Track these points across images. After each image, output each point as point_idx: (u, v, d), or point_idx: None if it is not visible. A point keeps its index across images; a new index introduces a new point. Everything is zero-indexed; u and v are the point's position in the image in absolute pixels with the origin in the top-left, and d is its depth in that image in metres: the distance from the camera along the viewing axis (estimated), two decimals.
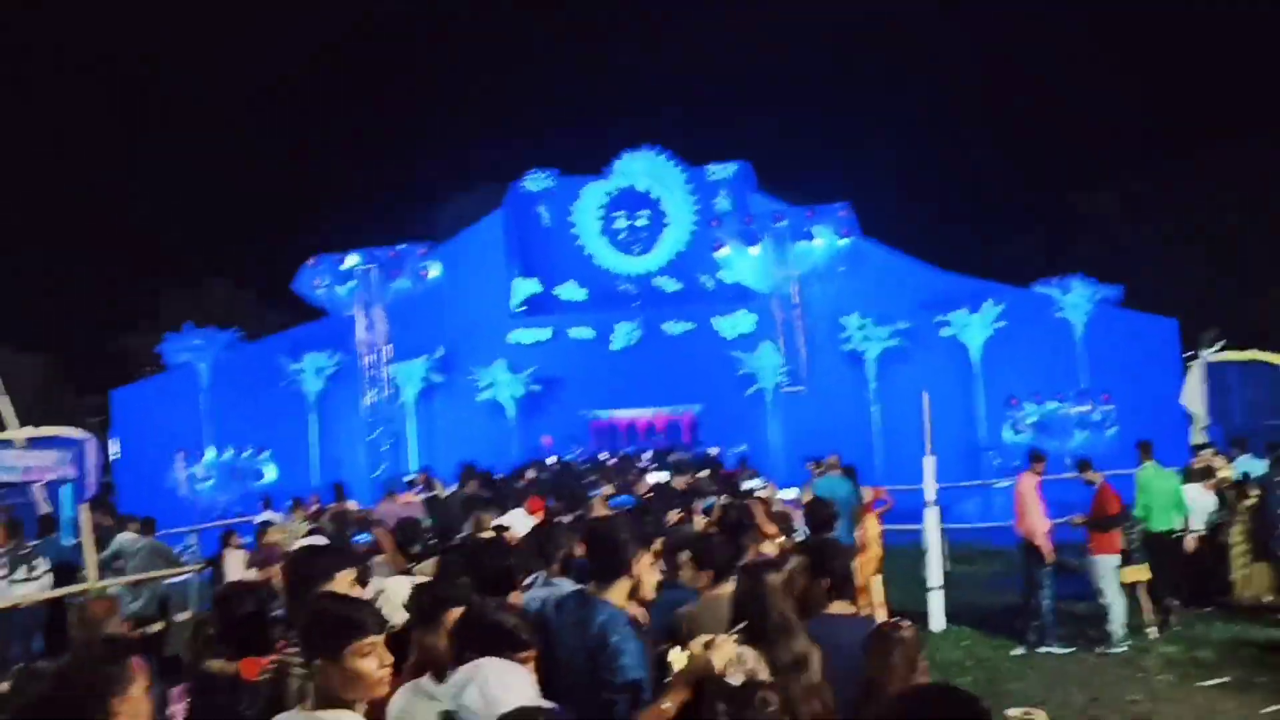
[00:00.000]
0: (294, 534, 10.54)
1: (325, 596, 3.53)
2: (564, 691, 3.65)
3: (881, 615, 5.59)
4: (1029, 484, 10.54)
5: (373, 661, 2.96)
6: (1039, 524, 10.33)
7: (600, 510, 7.67)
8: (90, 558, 8.54)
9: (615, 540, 4.17)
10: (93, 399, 32.38)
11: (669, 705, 3.33)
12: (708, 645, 3.36)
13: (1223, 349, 20.32)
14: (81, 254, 41.22)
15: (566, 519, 7.94)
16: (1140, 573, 10.79)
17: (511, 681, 2.94)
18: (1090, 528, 10.47)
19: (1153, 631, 10.43)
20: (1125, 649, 9.95)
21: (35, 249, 39.25)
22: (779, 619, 3.90)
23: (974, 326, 22.72)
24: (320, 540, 7.23)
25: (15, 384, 34.39)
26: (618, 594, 4.07)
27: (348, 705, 2.97)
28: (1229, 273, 31.74)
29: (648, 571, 4.24)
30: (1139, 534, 10.89)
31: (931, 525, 11.47)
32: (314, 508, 14.70)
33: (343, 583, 3.89)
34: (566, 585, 4.67)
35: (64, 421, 26.81)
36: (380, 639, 3.01)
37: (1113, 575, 10.28)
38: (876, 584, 5.59)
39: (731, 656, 3.33)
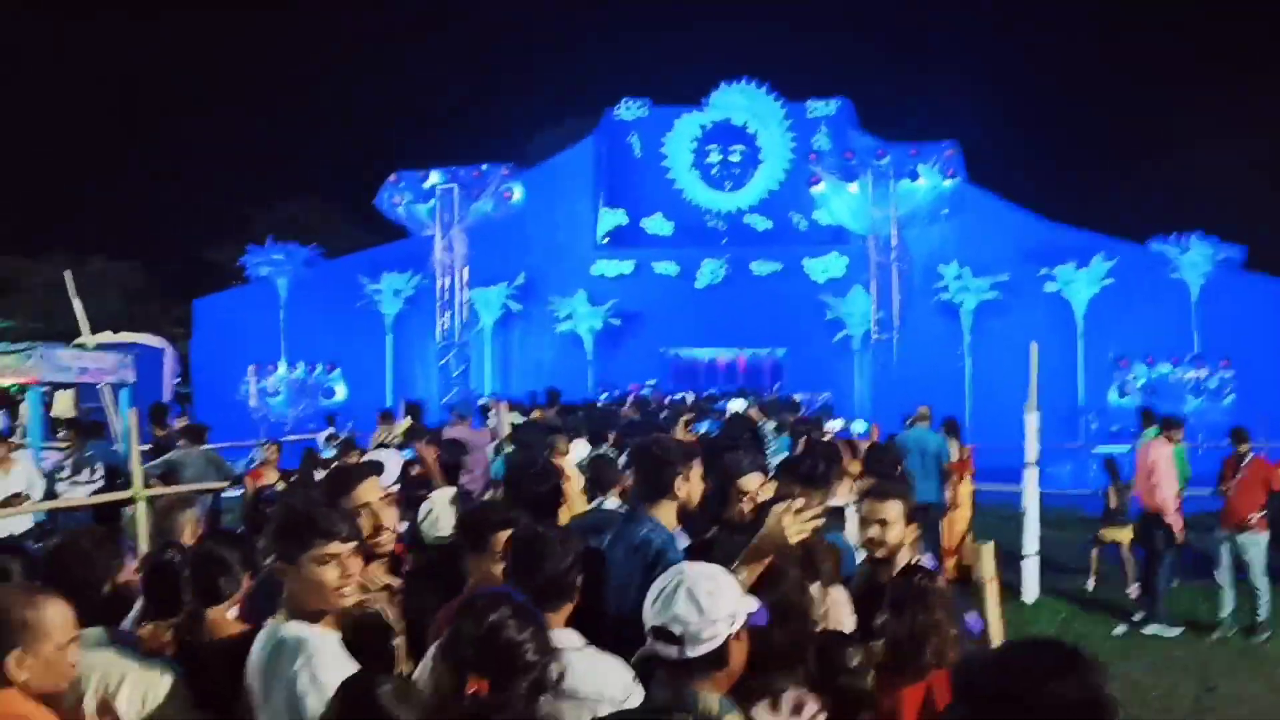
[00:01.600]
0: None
1: (295, 498, 3.39)
2: (622, 612, 3.48)
3: (993, 589, 4.82)
4: (1163, 452, 9.56)
5: (333, 571, 2.79)
6: (1171, 498, 9.40)
7: (682, 434, 7.11)
8: (135, 465, 8.14)
9: (659, 459, 3.91)
10: (181, 309, 32.73)
11: (745, 577, 3.07)
12: (784, 511, 3.18)
13: None
14: (181, 168, 41.61)
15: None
16: (1122, 533, 10.81)
17: (721, 586, 2.61)
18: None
19: (1133, 590, 10.28)
20: (1264, 638, 9.02)
21: (136, 163, 39.68)
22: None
23: (1080, 282, 21.39)
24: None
25: (108, 290, 35.16)
26: (664, 515, 3.84)
27: (314, 616, 2.79)
28: None
29: (696, 484, 3.96)
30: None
31: (1030, 488, 10.57)
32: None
33: (369, 489, 3.65)
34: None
35: (150, 328, 27.13)
36: (347, 548, 2.83)
37: (1265, 554, 9.36)
38: (987, 552, 4.84)
39: (805, 528, 3.18)
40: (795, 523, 3.14)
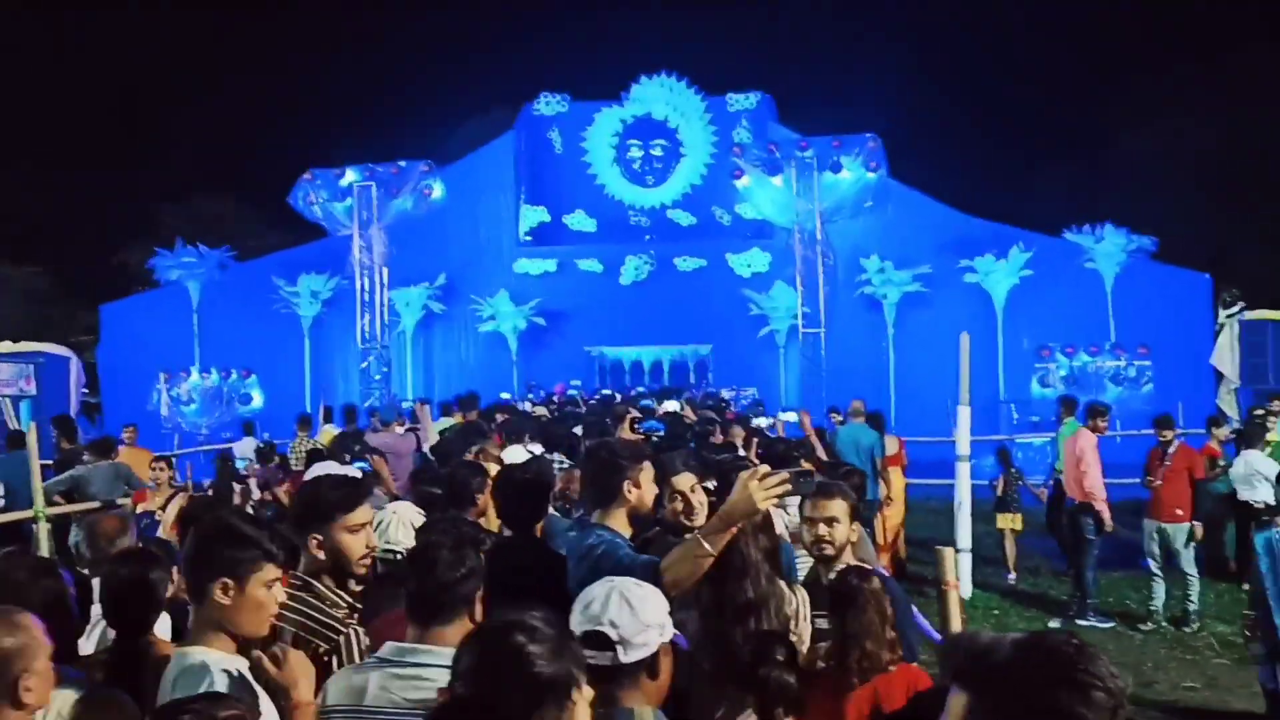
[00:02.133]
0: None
1: (231, 516, 3.11)
2: None
3: (955, 594, 4.74)
4: (1089, 441, 9.59)
5: (273, 594, 2.75)
6: (1099, 487, 9.43)
7: (627, 434, 6.91)
8: (36, 481, 7.71)
9: (607, 463, 3.77)
10: (88, 314, 31.57)
11: (708, 548, 3.07)
12: (750, 477, 3.06)
13: (1243, 309, 19.39)
14: (83, 165, 40.13)
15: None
16: (1014, 520, 11.27)
17: (650, 594, 2.63)
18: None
19: (1011, 577, 11.04)
20: (1194, 627, 9.10)
21: (35, 161, 38.14)
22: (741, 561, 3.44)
23: (999, 273, 21.71)
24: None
25: (10, 296, 33.77)
26: (617, 522, 3.70)
27: (226, 639, 2.70)
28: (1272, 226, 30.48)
29: (648, 487, 3.78)
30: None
31: (963, 482, 10.58)
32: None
33: (362, 515, 3.38)
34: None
35: (57, 336, 26.10)
36: (280, 574, 2.77)
37: (1193, 544, 9.47)
38: (948, 557, 4.77)
39: (775, 498, 3.11)
40: (762, 489, 3.04)
